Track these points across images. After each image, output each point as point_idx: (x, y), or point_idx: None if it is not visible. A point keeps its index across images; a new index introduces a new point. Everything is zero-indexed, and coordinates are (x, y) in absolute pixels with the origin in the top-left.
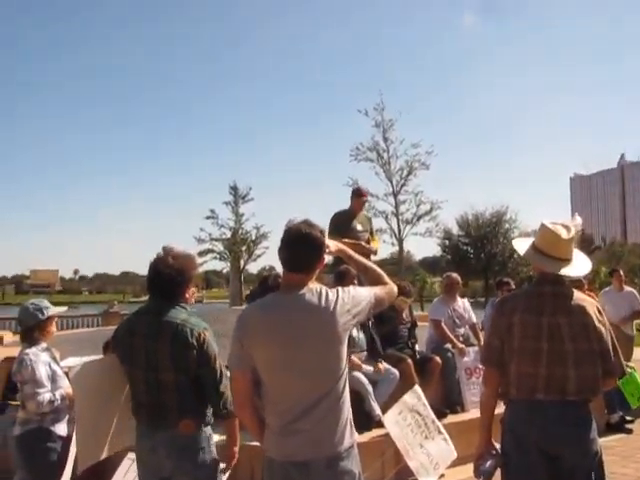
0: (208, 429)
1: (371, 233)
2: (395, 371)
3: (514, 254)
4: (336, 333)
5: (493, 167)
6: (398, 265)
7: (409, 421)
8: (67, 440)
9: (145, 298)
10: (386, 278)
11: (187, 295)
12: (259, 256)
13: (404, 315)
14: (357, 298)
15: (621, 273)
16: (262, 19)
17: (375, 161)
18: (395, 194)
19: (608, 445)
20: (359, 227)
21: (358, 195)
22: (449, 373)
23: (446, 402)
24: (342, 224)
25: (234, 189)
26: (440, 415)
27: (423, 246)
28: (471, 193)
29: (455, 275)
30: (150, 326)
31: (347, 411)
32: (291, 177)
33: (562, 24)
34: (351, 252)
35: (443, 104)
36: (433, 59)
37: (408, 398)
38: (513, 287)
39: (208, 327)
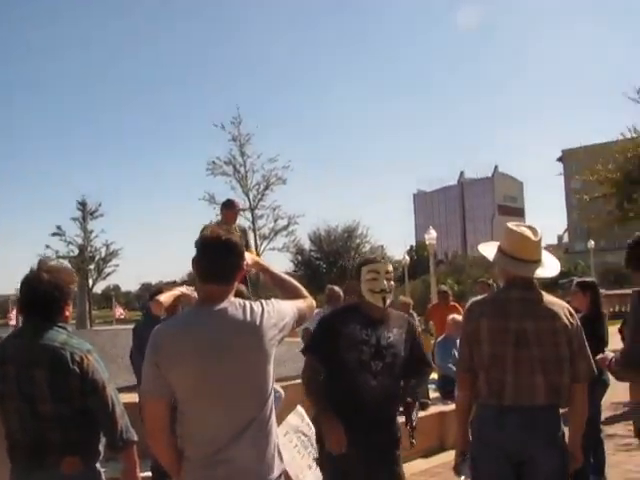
0: (97, 466)
1: (246, 246)
2: (280, 389)
3: None
4: (264, 350)
5: (343, 183)
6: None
7: (295, 442)
8: None
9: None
10: (304, 291)
11: (67, 313)
12: (109, 274)
13: None
14: (282, 312)
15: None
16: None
17: (232, 175)
18: (252, 209)
19: None
20: None
21: (228, 207)
22: None
23: None
24: None
25: (82, 204)
26: None
27: (275, 261)
28: (323, 210)
29: (337, 288)
30: (23, 351)
31: (275, 436)
32: (145, 191)
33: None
34: (267, 264)
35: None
36: (298, 79)
37: (291, 419)
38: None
39: (92, 349)
